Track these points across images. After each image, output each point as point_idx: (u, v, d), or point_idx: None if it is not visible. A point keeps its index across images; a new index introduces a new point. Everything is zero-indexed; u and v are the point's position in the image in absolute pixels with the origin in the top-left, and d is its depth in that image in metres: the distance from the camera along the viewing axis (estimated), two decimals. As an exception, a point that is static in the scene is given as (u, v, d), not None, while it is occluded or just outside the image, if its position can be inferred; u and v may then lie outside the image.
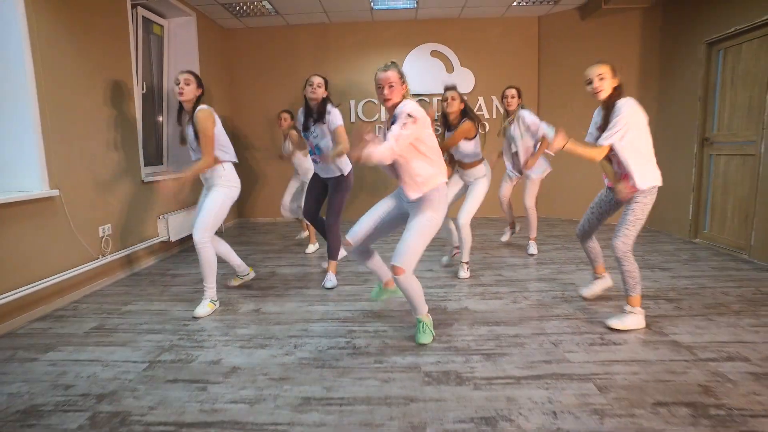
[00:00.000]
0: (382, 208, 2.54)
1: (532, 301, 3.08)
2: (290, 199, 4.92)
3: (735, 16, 4.09)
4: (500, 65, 6.24)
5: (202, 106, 2.91)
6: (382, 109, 6.41)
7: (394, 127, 2.25)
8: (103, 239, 3.65)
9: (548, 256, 4.25)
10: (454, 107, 3.46)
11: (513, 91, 4.03)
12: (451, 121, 3.55)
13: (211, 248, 2.95)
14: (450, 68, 6.32)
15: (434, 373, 2.15)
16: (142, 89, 4.59)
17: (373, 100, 6.36)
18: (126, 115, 3.97)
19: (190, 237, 4.80)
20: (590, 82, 2.49)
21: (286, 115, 4.79)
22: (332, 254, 3.56)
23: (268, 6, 5.44)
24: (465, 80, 6.32)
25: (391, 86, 2.32)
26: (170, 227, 4.43)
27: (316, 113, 3.34)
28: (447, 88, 3.49)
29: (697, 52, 4.57)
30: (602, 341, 2.44)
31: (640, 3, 5.14)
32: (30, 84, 2.95)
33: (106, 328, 2.79)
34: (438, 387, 2.02)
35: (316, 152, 3.46)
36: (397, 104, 2.35)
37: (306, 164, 4.67)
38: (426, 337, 2.49)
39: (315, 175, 3.65)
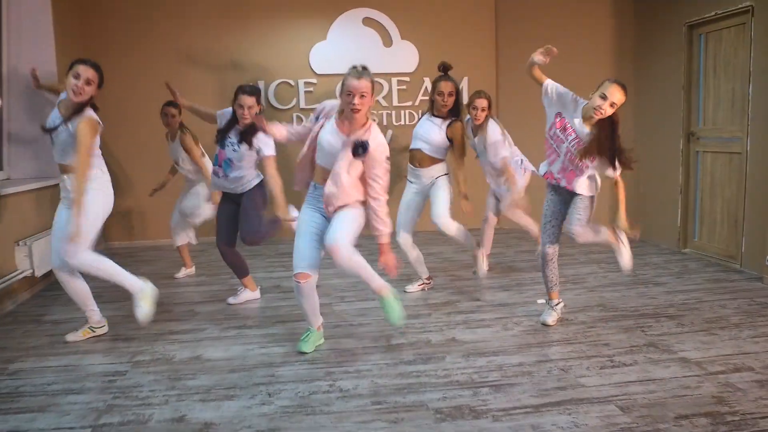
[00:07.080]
0: (312, 224, 3.21)
1: (525, 327, 3.73)
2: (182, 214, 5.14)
3: (715, -1, 5.15)
4: (449, 40, 6.94)
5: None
6: (301, 94, 6.85)
7: (377, 173, 3.06)
8: (-45, 277, 3.71)
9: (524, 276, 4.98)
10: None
11: (484, 102, 4.37)
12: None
13: None
14: (388, 41, 6.91)
15: (445, 408, 2.67)
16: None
17: (288, 81, 6.77)
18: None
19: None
20: (604, 98, 3.16)
21: (173, 111, 4.94)
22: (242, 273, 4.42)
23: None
24: (407, 56, 6.96)
25: (363, 96, 2.92)
26: (34, 257, 4.49)
27: (240, 135, 3.98)
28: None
29: (677, 35, 5.62)
30: (612, 363, 3.13)
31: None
32: None
33: (2, 393, 2.95)
34: (455, 422, 2.54)
35: (223, 166, 4.04)
36: (364, 116, 3.00)
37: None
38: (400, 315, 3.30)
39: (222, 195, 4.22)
